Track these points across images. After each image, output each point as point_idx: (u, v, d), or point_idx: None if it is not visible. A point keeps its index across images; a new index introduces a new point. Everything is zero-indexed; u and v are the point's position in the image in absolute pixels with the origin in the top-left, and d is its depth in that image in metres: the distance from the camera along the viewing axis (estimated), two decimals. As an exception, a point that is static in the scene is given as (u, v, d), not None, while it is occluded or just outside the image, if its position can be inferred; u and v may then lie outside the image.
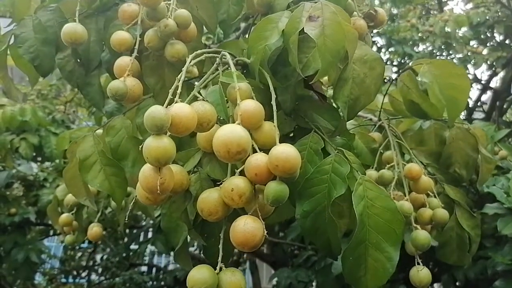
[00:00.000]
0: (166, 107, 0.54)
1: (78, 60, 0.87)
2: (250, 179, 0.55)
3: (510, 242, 1.52)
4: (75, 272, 4.72)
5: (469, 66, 2.93)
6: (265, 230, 0.54)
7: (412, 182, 0.93)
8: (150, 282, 4.72)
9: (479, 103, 3.04)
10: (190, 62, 0.62)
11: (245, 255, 4.56)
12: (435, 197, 0.95)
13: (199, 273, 0.53)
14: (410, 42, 2.92)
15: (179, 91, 0.57)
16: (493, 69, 3.01)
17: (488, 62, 2.93)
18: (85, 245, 4.87)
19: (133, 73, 0.70)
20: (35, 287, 4.33)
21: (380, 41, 3.18)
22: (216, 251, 0.72)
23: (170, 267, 4.99)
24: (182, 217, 0.64)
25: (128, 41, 0.72)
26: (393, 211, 0.60)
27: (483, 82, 3.05)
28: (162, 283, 4.60)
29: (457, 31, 2.87)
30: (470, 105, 3.22)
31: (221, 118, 0.60)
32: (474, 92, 3.17)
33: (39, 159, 2.58)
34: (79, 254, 4.71)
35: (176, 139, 0.72)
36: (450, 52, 3.01)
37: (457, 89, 0.95)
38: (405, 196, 0.89)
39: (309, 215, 0.65)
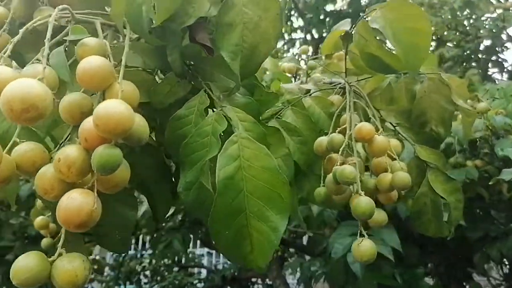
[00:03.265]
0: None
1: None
2: (84, 147, 0.47)
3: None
4: (126, 278, 4.81)
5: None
6: (96, 203, 0.45)
7: (366, 144, 0.80)
8: (200, 284, 4.74)
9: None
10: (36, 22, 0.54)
11: (290, 249, 4.46)
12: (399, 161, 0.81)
13: (23, 261, 0.45)
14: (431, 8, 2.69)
15: (7, 53, 0.49)
16: (528, 24, 2.72)
17: (522, 18, 2.65)
18: (132, 251, 4.98)
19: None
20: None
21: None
22: (114, 237, 0.64)
23: (219, 267, 5.00)
24: (44, 201, 0.56)
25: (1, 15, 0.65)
26: (273, 171, 0.49)
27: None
28: (211, 283, 4.60)
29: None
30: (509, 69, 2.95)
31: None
32: (510, 53, 2.88)
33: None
34: (127, 260, 4.80)
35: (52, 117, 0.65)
36: (475, 13, 2.74)
37: (416, 34, 0.81)
38: (354, 160, 0.76)
39: (192, 186, 0.55)
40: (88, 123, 0.46)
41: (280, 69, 1.35)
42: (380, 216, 0.76)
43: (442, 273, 2.21)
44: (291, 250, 4.45)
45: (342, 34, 0.96)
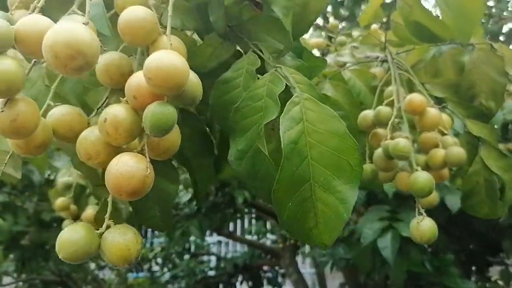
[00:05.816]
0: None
1: None
2: (132, 106, 0.42)
3: None
4: (137, 265, 4.79)
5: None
6: (150, 170, 0.39)
7: (417, 117, 0.74)
8: (211, 271, 4.71)
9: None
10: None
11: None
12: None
13: (69, 233, 0.40)
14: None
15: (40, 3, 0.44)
16: None
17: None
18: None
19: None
20: (104, 282, 4.45)
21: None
22: (154, 214, 0.59)
23: (229, 255, 4.97)
24: (82, 170, 0.51)
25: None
26: (342, 136, 0.44)
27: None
28: (222, 271, 4.58)
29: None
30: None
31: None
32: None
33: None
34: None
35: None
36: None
37: (467, -3, 0.75)
38: (407, 134, 0.71)
39: (245, 155, 0.50)
40: (136, 79, 0.41)
41: (308, 46, 1.29)
42: (433, 195, 0.71)
43: (463, 261, 2.15)
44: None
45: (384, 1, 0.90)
